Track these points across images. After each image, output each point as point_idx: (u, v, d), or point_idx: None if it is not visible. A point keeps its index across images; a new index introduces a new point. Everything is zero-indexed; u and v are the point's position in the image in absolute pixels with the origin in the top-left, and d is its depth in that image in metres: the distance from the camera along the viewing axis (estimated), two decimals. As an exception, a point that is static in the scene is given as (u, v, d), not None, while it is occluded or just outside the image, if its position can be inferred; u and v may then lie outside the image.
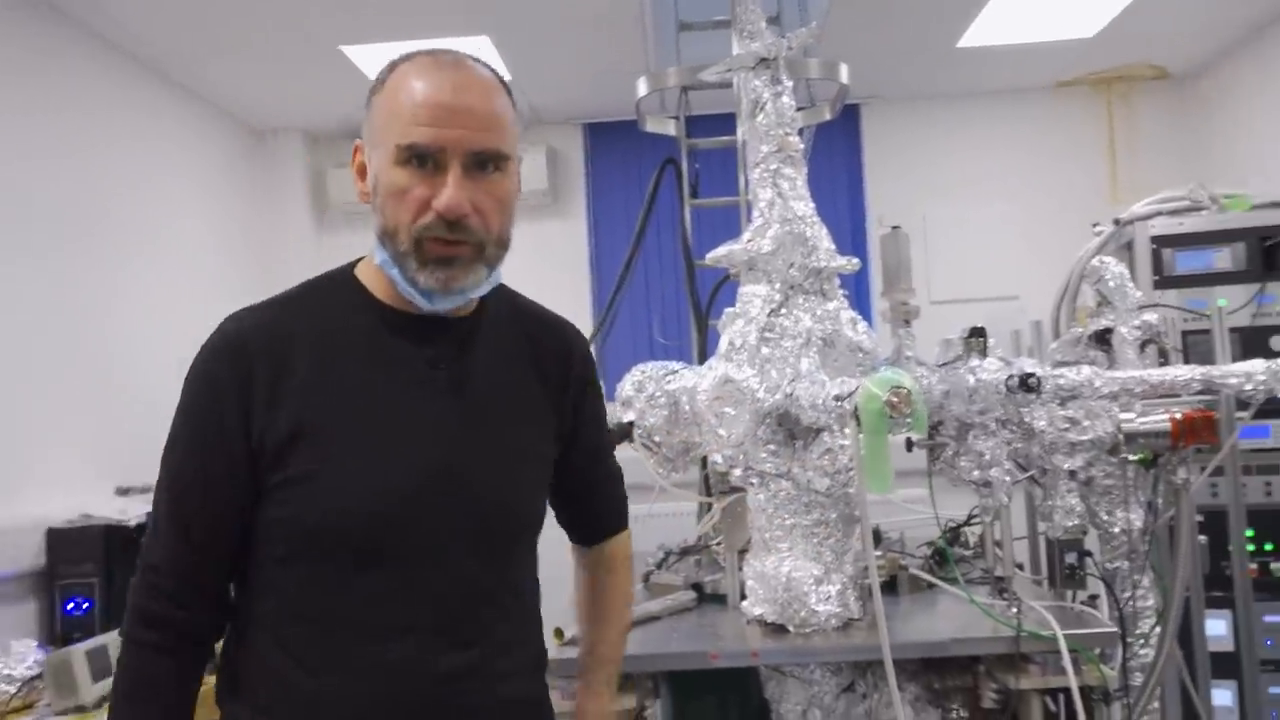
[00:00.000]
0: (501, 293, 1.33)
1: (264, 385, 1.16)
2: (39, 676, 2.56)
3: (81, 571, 2.84)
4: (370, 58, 4.02)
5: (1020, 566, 2.57)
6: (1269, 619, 3.04)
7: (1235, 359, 2.16)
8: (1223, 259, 3.10)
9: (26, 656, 2.61)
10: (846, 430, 1.70)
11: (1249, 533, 3.03)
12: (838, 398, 1.45)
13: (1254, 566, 3.06)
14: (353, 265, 1.29)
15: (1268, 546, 3.07)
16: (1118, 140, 4.81)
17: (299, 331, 1.20)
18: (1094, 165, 4.83)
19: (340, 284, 1.25)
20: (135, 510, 3.04)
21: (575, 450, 1.39)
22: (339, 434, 1.16)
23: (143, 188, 3.84)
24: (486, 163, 1.16)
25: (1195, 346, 2.91)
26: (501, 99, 1.21)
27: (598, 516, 1.52)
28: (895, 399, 1.14)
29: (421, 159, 1.14)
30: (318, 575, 1.16)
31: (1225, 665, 2.84)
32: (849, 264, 2.07)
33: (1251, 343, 2.99)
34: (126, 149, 3.77)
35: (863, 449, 1.23)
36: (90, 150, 3.53)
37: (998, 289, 4.56)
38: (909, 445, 2.16)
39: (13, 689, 2.54)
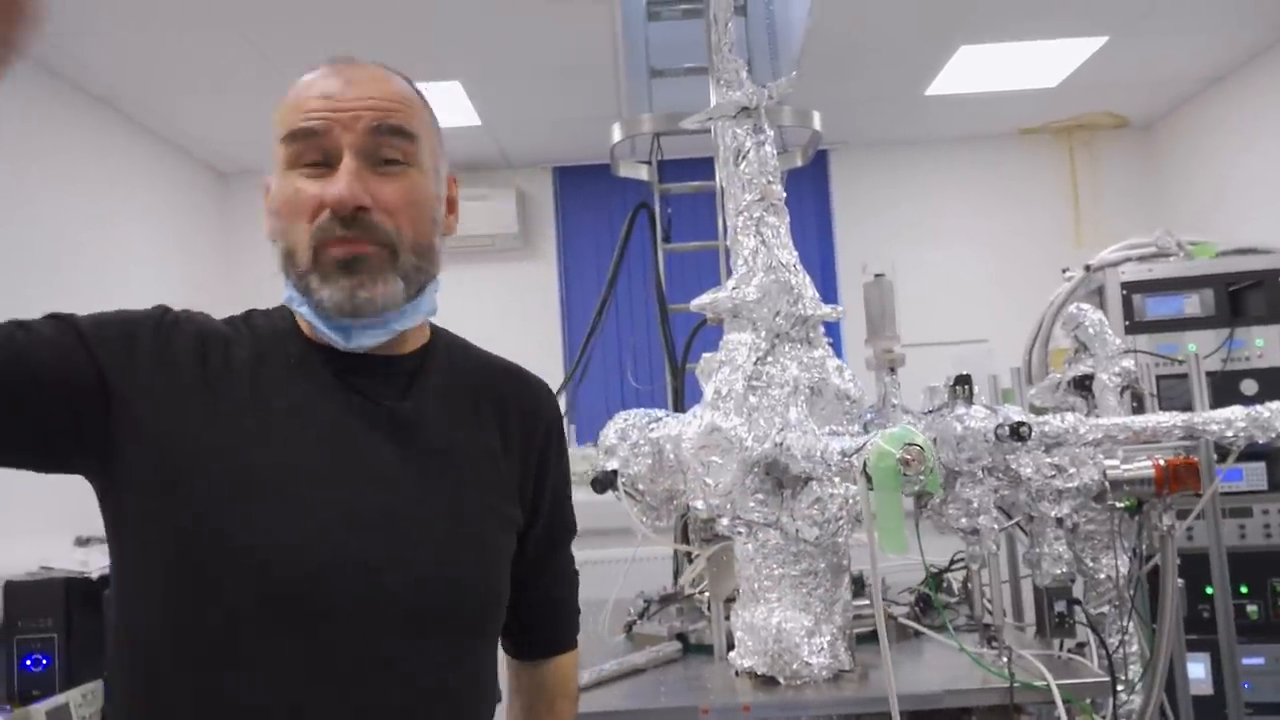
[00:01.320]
0: (451, 339, 1.17)
1: (179, 366, 0.97)
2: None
3: (40, 626, 2.71)
4: (341, 101, 4.00)
5: (1004, 612, 2.57)
6: (1247, 662, 3.05)
7: (1208, 404, 2.18)
8: (1192, 305, 3.15)
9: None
10: (846, 484, 1.68)
11: (1224, 575, 3.06)
12: (844, 453, 1.43)
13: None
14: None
15: (1243, 589, 3.09)
16: (1081, 186, 4.91)
17: (233, 340, 1.02)
18: (1058, 210, 4.92)
19: (275, 313, 1.08)
20: (97, 561, 2.94)
21: (532, 533, 1.17)
22: (259, 459, 0.96)
23: (103, 231, 3.77)
24: (389, 150, 1.00)
25: (1168, 391, 2.95)
26: (404, 84, 1.06)
27: (547, 624, 1.26)
28: (908, 457, 1.12)
29: (314, 161, 0.98)
30: (193, 637, 0.93)
31: (1205, 709, 2.84)
32: (834, 312, 2.06)
33: (1222, 388, 3.03)
34: (86, 191, 3.70)
35: (874, 508, 1.21)
36: (48, 192, 3.46)
37: (965, 332, 4.62)
38: (896, 493, 2.15)
39: (-34, 754, 2.43)
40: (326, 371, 1.02)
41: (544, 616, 1.25)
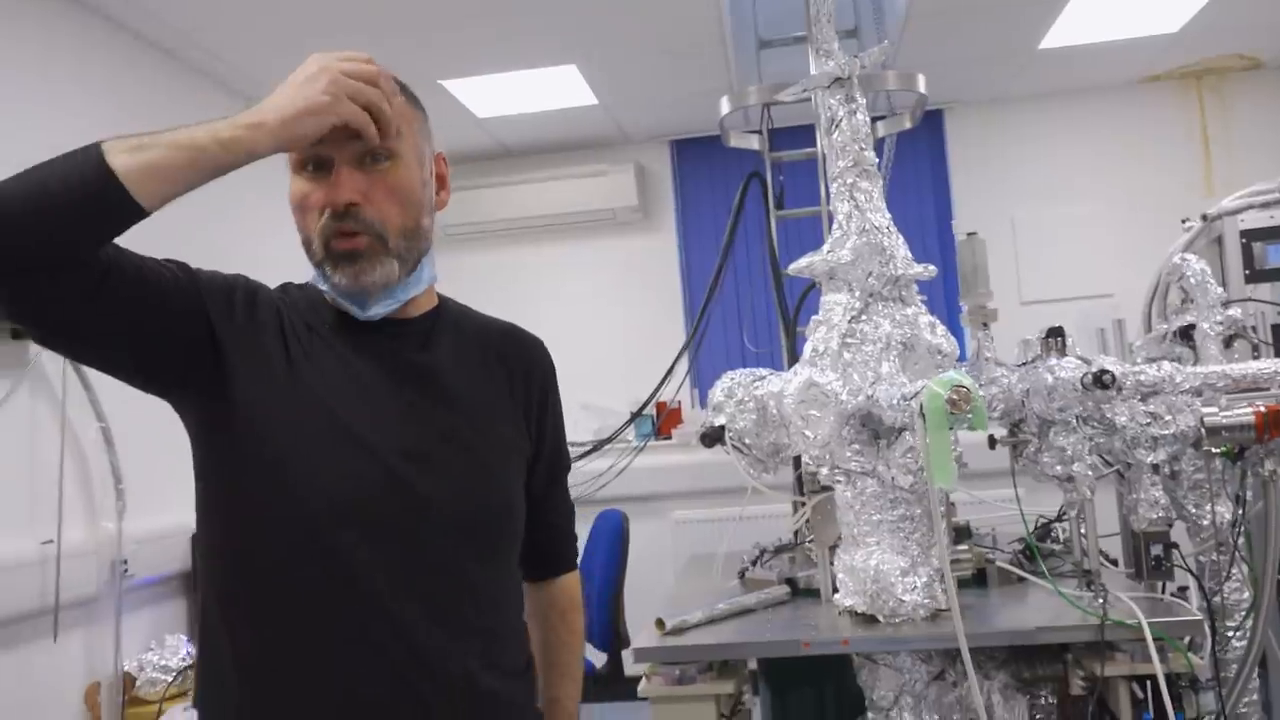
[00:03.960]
0: (455, 305, 1.37)
1: (262, 326, 1.19)
2: (191, 666, 2.82)
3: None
4: (469, 91, 4.25)
5: (1115, 562, 2.61)
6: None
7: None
8: (1317, 250, 3.08)
9: (178, 649, 2.88)
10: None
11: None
12: (904, 397, 1.55)
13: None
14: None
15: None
16: (1211, 133, 4.74)
17: (288, 308, 1.24)
18: (1186, 160, 4.76)
19: (306, 287, 1.29)
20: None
21: (536, 467, 1.37)
22: (324, 406, 1.17)
23: (230, 209, 4.00)
24: (376, 154, 1.17)
25: (1289, 340, 2.90)
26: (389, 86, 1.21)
27: (548, 547, 1.47)
28: (955, 397, 1.24)
29: (316, 165, 1.17)
30: (280, 539, 1.15)
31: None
32: (925, 271, 2.16)
33: (1350, 335, 2.96)
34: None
35: (928, 444, 1.33)
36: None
37: (1089, 288, 4.55)
38: (991, 443, 2.24)
39: (168, 678, 2.80)
40: (355, 333, 1.23)
41: (548, 539, 1.45)
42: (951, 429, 1.30)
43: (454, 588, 1.20)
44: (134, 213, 1.02)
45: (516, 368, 1.36)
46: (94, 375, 2.83)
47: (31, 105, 2.93)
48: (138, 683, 2.80)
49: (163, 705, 2.74)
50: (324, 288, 1.23)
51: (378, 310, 1.22)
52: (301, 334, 1.22)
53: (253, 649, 1.16)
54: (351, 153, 1.16)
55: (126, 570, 2.80)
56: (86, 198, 1.00)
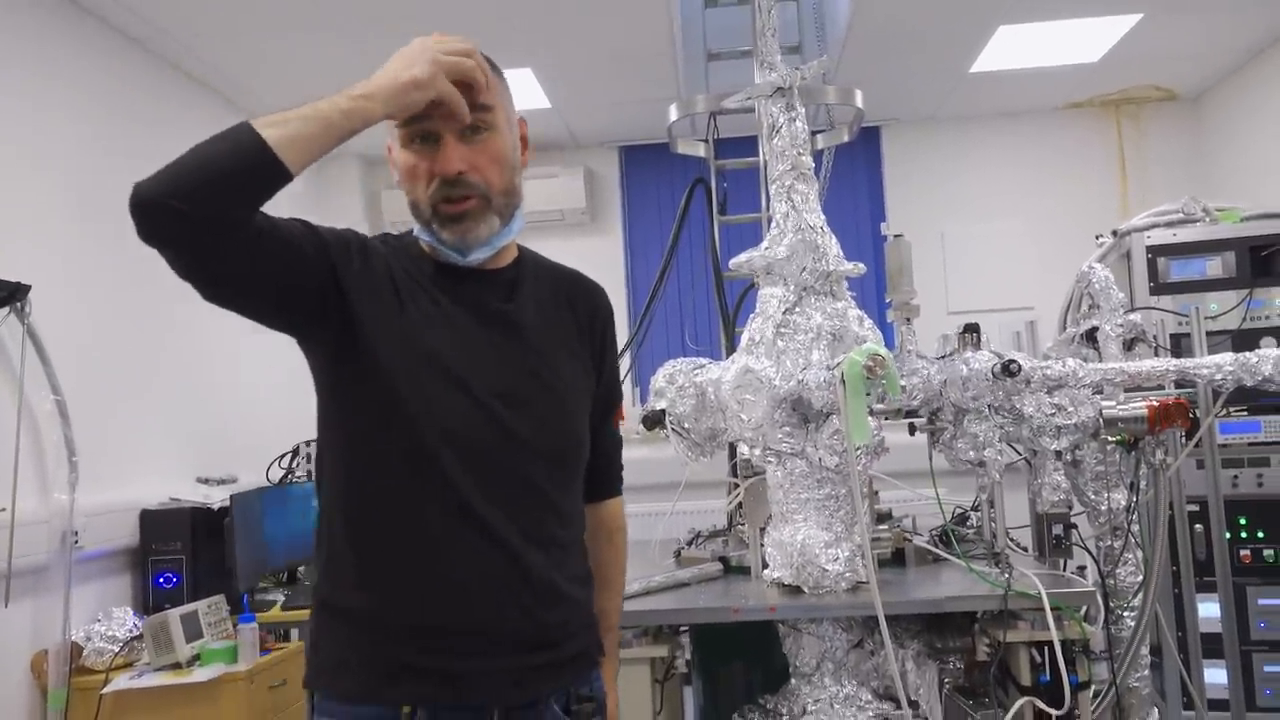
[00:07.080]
0: (531, 254, 1.53)
1: (376, 274, 1.33)
2: (137, 638, 2.87)
3: (171, 549, 3.15)
4: (423, 88, 4.34)
5: (1025, 548, 2.80)
6: (1264, 602, 3.23)
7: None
8: (1214, 267, 3.32)
9: (125, 621, 2.93)
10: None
11: (1243, 520, 3.25)
12: (829, 367, 1.71)
13: (1247, 553, 3.27)
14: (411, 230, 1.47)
15: (1260, 534, 3.27)
16: (1128, 158, 5.03)
17: (390, 259, 1.37)
18: (1105, 182, 5.04)
19: (404, 238, 1.43)
20: (217, 496, 3.36)
21: (595, 396, 1.53)
22: (428, 347, 1.32)
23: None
24: (476, 127, 1.33)
25: (1186, 347, 3.13)
26: (482, 62, 1.35)
27: (601, 472, 1.61)
28: (872, 363, 1.39)
29: (424, 139, 1.32)
30: (395, 465, 1.31)
31: (1219, 645, 3.04)
32: (855, 268, 2.32)
33: (1242, 345, 3.18)
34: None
35: (848, 406, 1.49)
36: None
37: (1012, 300, 4.77)
38: (911, 430, 2.41)
39: (115, 648, 2.85)
40: (451, 283, 1.39)
41: (600, 466, 1.60)
42: (868, 394, 1.45)
43: (538, 506, 1.38)
44: (284, 177, 1.18)
45: (582, 312, 1.53)
46: (51, 349, 2.88)
47: (17, 99, 3.00)
48: (84, 652, 2.84)
49: (109, 675, 2.79)
50: (426, 239, 1.38)
51: (476, 256, 1.38)
52: (405, 282, 1.36)
53: (372, 553, 1.33)
54: (456, 127, 1.31)
55: (77, 541, 2.85)
56: (247, 167, 1.16)
